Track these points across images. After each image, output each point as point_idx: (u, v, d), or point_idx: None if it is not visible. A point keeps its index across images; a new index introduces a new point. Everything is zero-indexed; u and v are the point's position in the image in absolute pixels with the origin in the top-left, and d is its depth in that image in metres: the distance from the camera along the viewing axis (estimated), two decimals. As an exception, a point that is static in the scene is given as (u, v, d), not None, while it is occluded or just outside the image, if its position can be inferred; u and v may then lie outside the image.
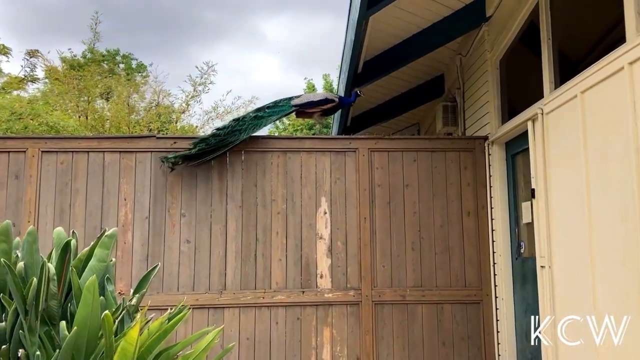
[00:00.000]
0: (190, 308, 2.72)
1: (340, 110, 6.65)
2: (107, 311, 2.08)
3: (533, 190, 4.20)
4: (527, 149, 4.34)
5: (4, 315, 2.27)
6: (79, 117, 14.82)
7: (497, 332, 4.99)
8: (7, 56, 14.54)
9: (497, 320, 5.00)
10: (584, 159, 3.39)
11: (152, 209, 4.96)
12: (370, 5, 4.60)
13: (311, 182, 5.13)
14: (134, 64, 18.88)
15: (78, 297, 2.26)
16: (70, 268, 2.36)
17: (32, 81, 15.36)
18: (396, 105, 8.02)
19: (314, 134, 17.36)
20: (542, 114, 4.04)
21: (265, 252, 5.00)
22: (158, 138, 5.08)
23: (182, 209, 4.99)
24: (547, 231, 3.98)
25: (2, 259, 2.19)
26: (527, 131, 4.32)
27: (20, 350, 2.15)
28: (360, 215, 5.09)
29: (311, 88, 22.41)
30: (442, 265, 5.07)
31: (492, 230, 5.10)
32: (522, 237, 4.75)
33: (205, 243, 4.97)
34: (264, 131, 5.30)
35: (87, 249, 2.53)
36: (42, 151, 4.91)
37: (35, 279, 2.17)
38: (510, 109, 5.03)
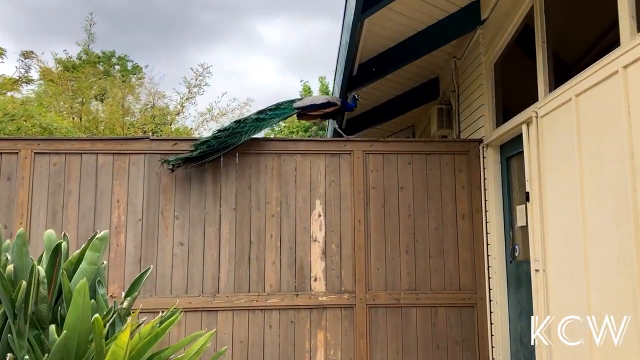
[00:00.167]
0: (182, 311, 2.70)
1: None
2: (97, 314, 2.06)
3: (527, 193, 4.19)
4: (522, 152, 4.34)
5: (-8, 319, 2.24)
6: (73, 118, 14.78)
7: (492, 335, 4.98)
8: (1, 57, 14.45)
9: (491, 324, 4.99)
10: (578, 163, 3.39)
11: (145, 211, 4.93)
12: (365, 8, 4.60)
13: (306, 185, 5.11)
14: (129, 65, 18.87)
15: (68, 301, 2.24)
16: (61, 271, 2.34)
17: (26, 82, 15.28)
18: (391, 108, 8.03)
19: (309, 137, 17.35)
20: (537, 117, 4.04)
21: (259, 255, 4.97)
22: (152, 140, 5.05)
23: (176, 211, 4.96)
24: (542, 235, 3.97)
25: (-10, 262, 2.17)
26: (521, 134, 4.32)
27: (9, 354, 2.12)
28: (354, 217, 5.07)
29: (307, 90, 22.42)
30: (437, 268, 5.06)
31: (487, 233, 5.09)
32: (516, 240, 4.75)
33: (198, 246, 4.94)
34: (260, 133, 5.28)
35: (77, 251, 2.51)
36: (35, 152, 4.88)
37: (24, 282, 2.15)
38: (505, 112, 5.03)
